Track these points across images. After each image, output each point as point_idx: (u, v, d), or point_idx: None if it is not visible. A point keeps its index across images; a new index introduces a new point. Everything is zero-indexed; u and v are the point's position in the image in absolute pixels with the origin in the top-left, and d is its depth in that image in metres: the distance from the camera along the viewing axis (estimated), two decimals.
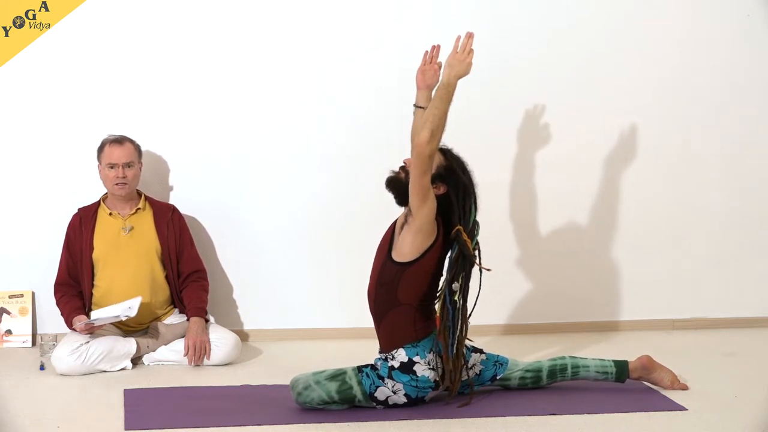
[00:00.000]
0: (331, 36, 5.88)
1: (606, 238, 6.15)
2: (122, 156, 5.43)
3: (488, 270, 4.64)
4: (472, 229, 4.61)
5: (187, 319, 5.47)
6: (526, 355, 5.45)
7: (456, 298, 4.57)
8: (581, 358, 4.93)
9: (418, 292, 4.58)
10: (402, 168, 4.65)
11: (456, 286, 4.57)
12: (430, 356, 4.57)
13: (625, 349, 5.54)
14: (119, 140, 5.47)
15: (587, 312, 6.16)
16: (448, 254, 4.60)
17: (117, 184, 5.44)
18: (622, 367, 4.88)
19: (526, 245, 6.07)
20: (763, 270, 6.28)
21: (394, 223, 4.68)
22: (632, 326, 6.16)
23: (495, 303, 5.98)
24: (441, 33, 5.93)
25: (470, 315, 4.70)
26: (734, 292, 6.26)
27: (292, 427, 4.45)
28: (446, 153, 4.64)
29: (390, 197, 4.67)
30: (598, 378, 4.89)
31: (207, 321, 5.51)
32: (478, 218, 4.64)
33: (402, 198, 4.62)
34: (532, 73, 6.01)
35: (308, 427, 4.44)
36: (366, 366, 4.64)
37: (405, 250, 4.56)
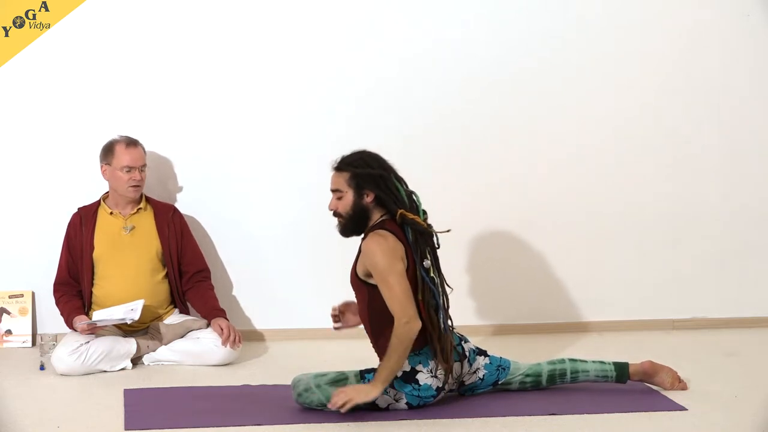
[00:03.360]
0: (329, 36, 5.87)
1: (606, 237, 6.14)
2: (137, 159, 5.43)
3: (447, 231, 4.63)
4: (411, 203, 4.59)
5: (208, 324, 5.46)
6: (526, 356, 5.44)
7: (432, 274, 4.55)
8: (581, 361, 4.90)
9: None
10: (334, 213, 4.65)
11: (427, 263, 4.55)
12: (432, 364, 4.56)
13: (626, 349, 5.54)
14: (133, 142, 5.46)
15: (587, 312, 6.15)
16: (409, 238, 4.53)
17: (132, 186, 5.44)
18: (622, 369, 4.86)
19: (526, 245, 6.07)
20: (763, 270, 6.27)
21: (355, 264, 4.64)
22: (632, 326, 6.15)
23: (491, 303, 5.98)
24: (441, 30, 5.95)
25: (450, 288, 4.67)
26: (734, 292, 6.25)
27: (292, 427, 4.45)
28: (347, 167, 4.60)
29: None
30: (598, 380, 4.89)
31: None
32: (411, 189, 4.62)
33: (360, 231, 4.61)
34: (532, 74, 6.00)
35: (308, 427, 4.44)
36: (368, 372, 4.63)
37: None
